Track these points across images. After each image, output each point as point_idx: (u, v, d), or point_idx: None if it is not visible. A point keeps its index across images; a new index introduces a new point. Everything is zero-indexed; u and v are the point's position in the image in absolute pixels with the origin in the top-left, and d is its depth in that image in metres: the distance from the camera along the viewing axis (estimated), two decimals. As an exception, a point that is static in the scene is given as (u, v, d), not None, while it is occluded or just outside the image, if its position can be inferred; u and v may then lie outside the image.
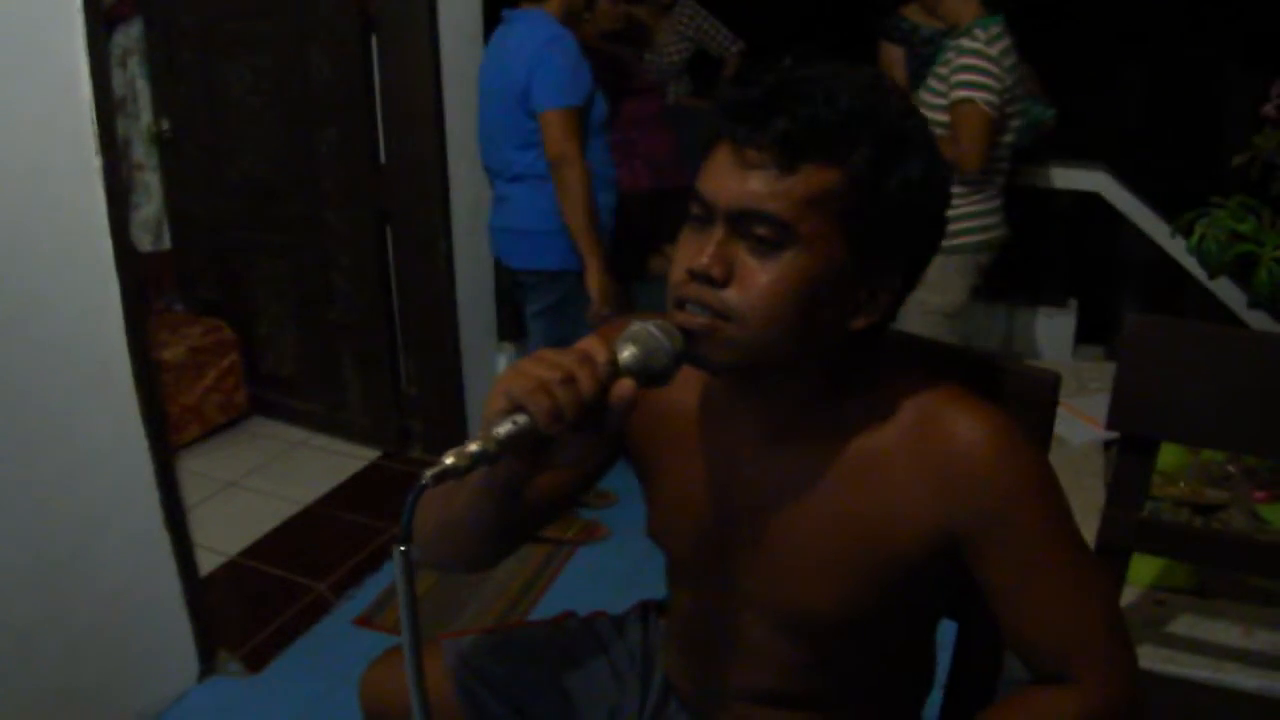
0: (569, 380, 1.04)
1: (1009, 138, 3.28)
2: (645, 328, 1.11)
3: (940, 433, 1.19)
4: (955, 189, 3.14)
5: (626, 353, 1.09)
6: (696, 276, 1.11)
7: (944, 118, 3.14)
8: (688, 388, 1.33)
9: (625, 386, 1.07)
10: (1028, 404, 1.36)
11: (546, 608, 3.16)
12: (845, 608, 1.28)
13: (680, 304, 1.13)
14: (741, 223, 1.11)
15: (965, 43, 3.11)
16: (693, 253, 1.12)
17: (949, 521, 1.20)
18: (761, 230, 1.09)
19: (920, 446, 1.20)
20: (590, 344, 1.09)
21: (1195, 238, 2.06)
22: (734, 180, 1.10)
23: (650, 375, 1.10)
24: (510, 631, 1.68)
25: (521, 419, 1.04)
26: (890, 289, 1.18)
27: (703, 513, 1.36)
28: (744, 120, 1.10)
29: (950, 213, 1.22)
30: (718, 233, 1.12)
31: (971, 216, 3.28)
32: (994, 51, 3.07)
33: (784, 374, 1.21)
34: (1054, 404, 1.35)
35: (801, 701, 1.40)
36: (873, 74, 1.16)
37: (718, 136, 1.14)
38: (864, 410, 1.23)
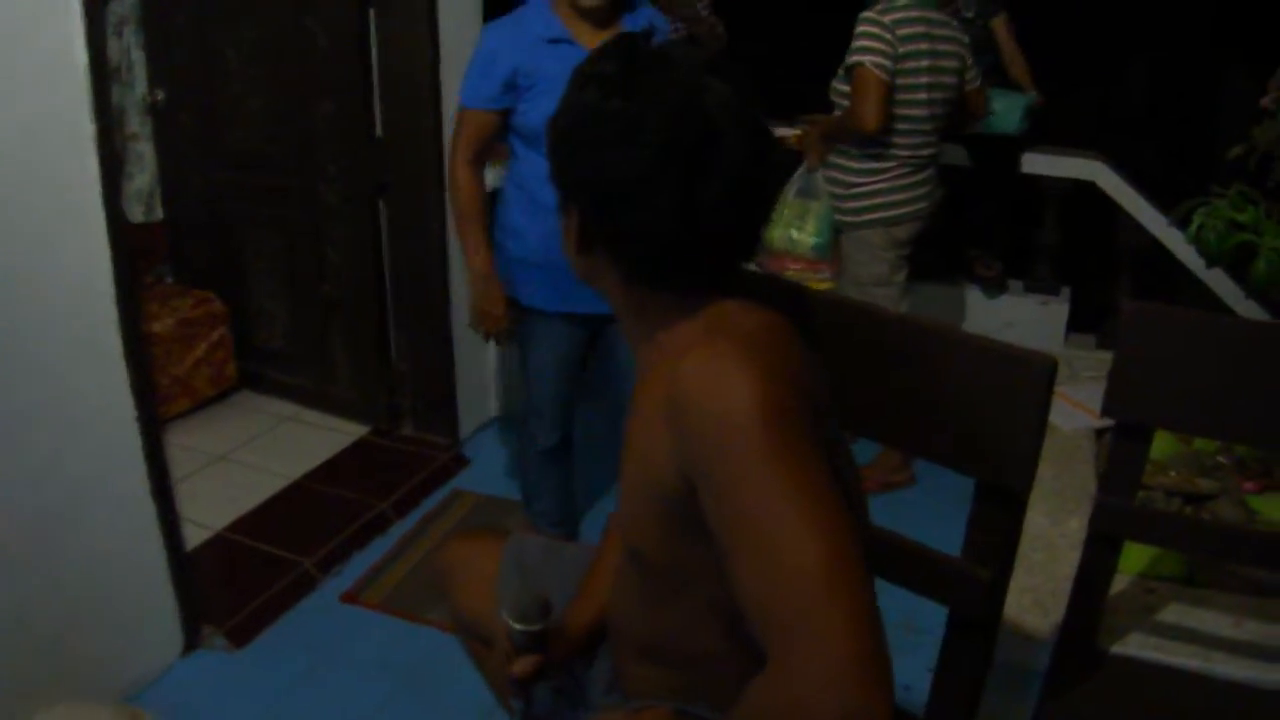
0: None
1: (919, 112, 3.34)
2: (511, 595, 1.56)
3: (674, 372, 1.20)
4: (858, 168, 3.37)
5: (516, 625, 1.51)
6: None
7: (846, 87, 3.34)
8: None
9: (523, 665, 1.54)
10: (1024, 389, 1.36)
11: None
12: (640, 539, 1.35)
13: None
14: None
15: (863, 14, 3.28)
16: None
17: (680, 462, 1.20)
18: None
19: (667, 386, 1.21)
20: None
21: (1194, 227, 2.06)
22: None
23: (528, 621, 1.52)
24: (565, 544, 2.16)
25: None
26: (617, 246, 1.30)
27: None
28: None
29: (854, 191, 1.31)
30: None
31: (875, 194, 3.38)
32: (886, 20, 3.22)
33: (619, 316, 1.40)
34: (1050, 389, 1.35)
35: (652, 656, 1.46)
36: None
37: None
38: (663, 351, 1.31)
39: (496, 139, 2.80)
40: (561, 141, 1.29)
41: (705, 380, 1.16)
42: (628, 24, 2.68)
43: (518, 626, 1.51)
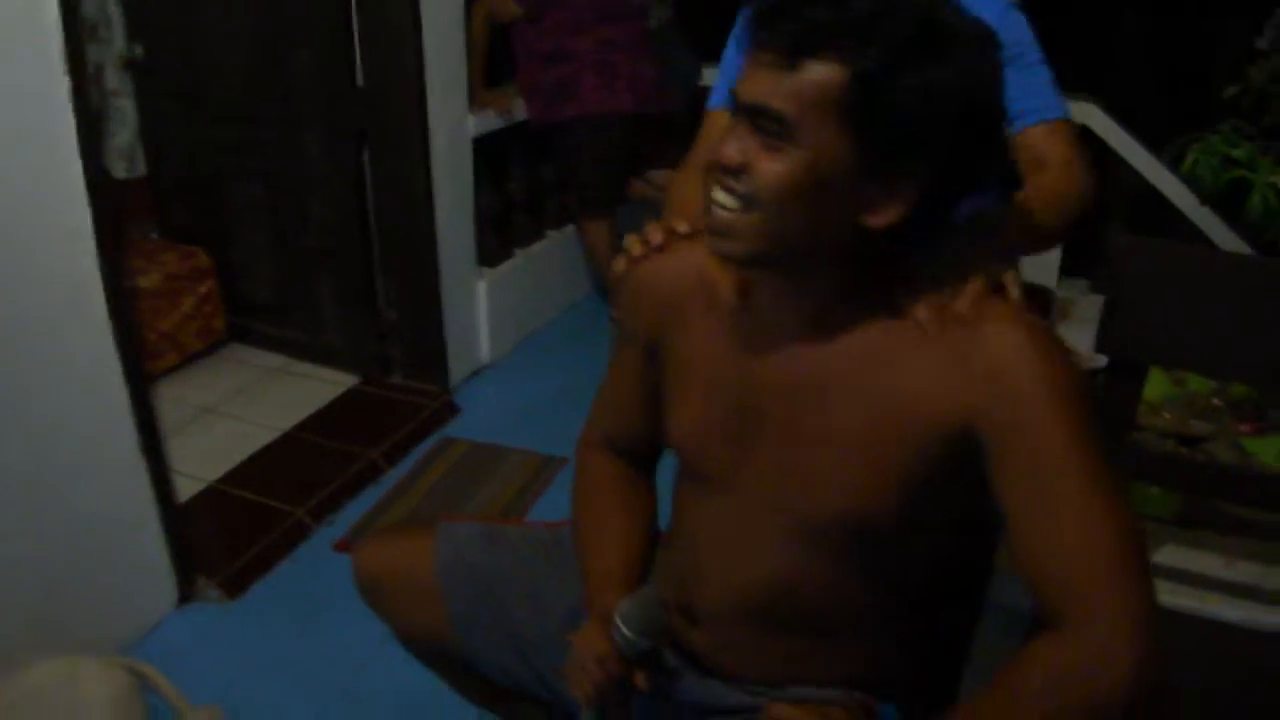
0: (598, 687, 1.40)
1: None
2: (629, 605, 1.37)
3: (968, 327, 1.20)
4: None
5: (629, 632, 1.36)
6: (717, 166, 1.19)
7: None
8: (704, 288, 1.41)
9: (644, 680, 1.41)
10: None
11: (538, 514, 3.19)
12: (862, 505, 1.27)
13: (710, 196, 1.22)
14: (756, 118, 1.17)
15: None
16: (719, 147, 1.20)
17: (968, 414, 1.18)
18: (768, 125, 1.15)
19: (945, 339, 1.21)
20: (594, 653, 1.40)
21: (1188, 163, 2.04)
22: (751, 78, 1.17)
23: (653, 634, 1.37)
24: (504, 525, 1.81)
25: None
26: (909, 187, 1.17)
27: (726, 408, 1.38)
28: (760, 25, 1.16)
29: None
30: (739, 128, 1.19)
31: None
32: None
33: (807, 268, 1.25)
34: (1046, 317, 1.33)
35: (792, 623, 1.39)
36: None
37: (749, 43, 1.19)
38: (889, 308, 1.25)
39: None
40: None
41: (1024, 340, 1.18)
42: None
43: (642, 641, 1.37)
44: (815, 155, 1.14)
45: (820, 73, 1.13)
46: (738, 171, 1.18)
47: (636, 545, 1.55)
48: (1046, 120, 1.88)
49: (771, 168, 1.15)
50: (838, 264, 1.24)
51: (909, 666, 1.44)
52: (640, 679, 1.40)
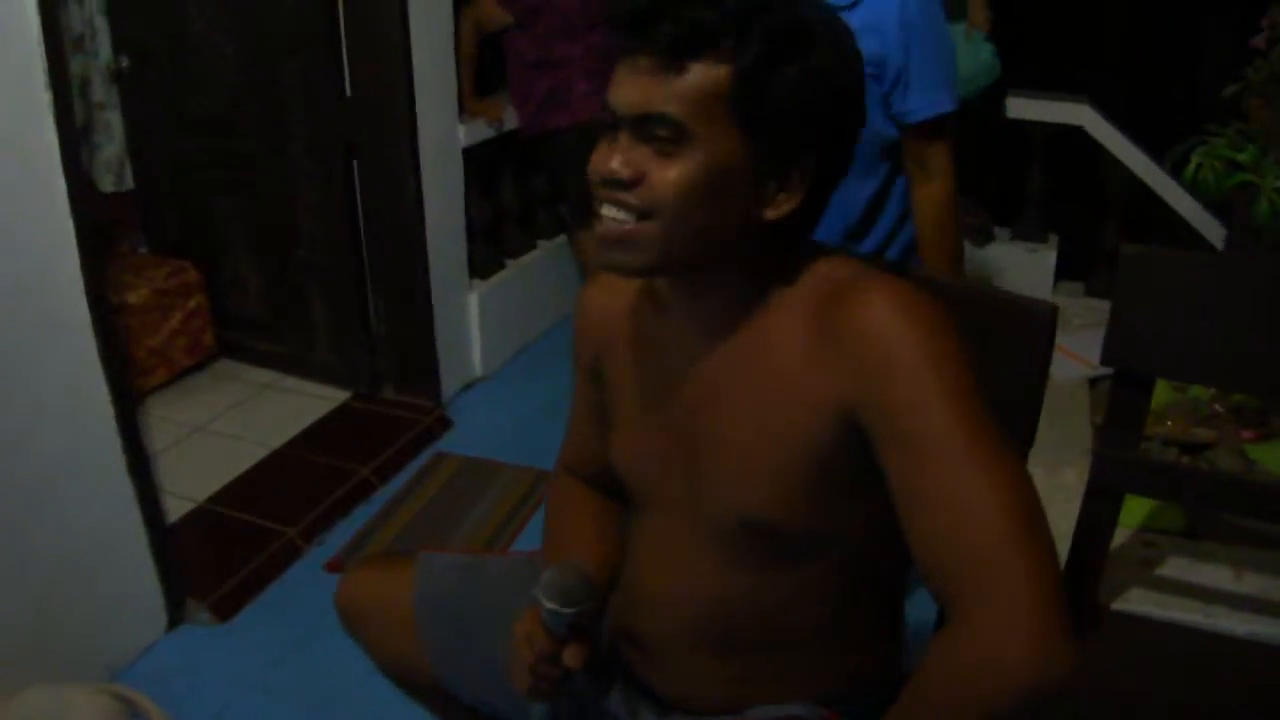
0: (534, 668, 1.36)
1: None
2: (548, 575, 1.33)
3: (839, 306, 1.17)
4: None
5: (549, 602, 1.31)
6: (608, 182, 1.17)
7: None
8: (633, 305, 1.41)
9: (574, 654, 1.35)
10: (1024, 337, 1.31)
11: (521, 547, 3.13)
12: (763, 505, 1.24)
13: (599, 213, 1.20)
14: (642, 127, 1.15)
15: None
16: (602, 161, 1.18)
17: (846, 397, 1.14)
18: (660, 131, 1.14)
19: (821, 323, 1.18)
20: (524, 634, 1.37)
21: (1192, 167, 2.01)
22: (629, 87, 1.16)
23: (575, 601, 1.31)
24: (485, 557, 1.82)
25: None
26: (800, 178, 1.20)
27: (648, 423, 1.38)
28: (633, 30, 1.15)
29: None
30: (623, 139, 1.17)
31: None
32: None
33: (709, 271, 1.24)
34: (1052, 336, 1.31)
35: (733, 642, 1.36)
36: None
37: (618, 49, 1.18)
38: (781, 299, 1.24)
39: None
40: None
41: (894, 311, 1.13)
42: None
43: (564, 610, 1.31)
44: (710, 157, 1.14)
45: (705, 72, 1.13)
46: (630, 184, 1.16)
47: (598, 559, 1.50)
48: (925, 119, 2.18)
49: (669, 175, 1.14)
50: (733, 261, 1.23)
51: (872, 674, 1.40)
52: (570, 654, 1.34)
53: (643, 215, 1.16)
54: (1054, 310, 1.31)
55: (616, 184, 1.17)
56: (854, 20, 1.59)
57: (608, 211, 1.19)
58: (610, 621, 1.50)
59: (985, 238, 4.47)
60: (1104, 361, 1.61)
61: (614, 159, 1.17)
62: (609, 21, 1.19)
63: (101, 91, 4.02)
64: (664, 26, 1.12)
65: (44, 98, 2.21)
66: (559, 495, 1.66)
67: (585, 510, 1.62)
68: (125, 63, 3.97)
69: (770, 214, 1.19)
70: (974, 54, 4.01)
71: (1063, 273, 4.45)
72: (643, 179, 1.16)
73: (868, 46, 1.38)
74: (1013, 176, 4.53)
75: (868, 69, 1.28)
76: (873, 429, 1.13)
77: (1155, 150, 3.93)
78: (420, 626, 1.63)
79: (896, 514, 1.12)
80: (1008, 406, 1.32)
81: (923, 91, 2.18)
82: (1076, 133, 4.19)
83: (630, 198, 1.16)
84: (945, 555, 1.07)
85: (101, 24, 3.96)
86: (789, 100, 1.15)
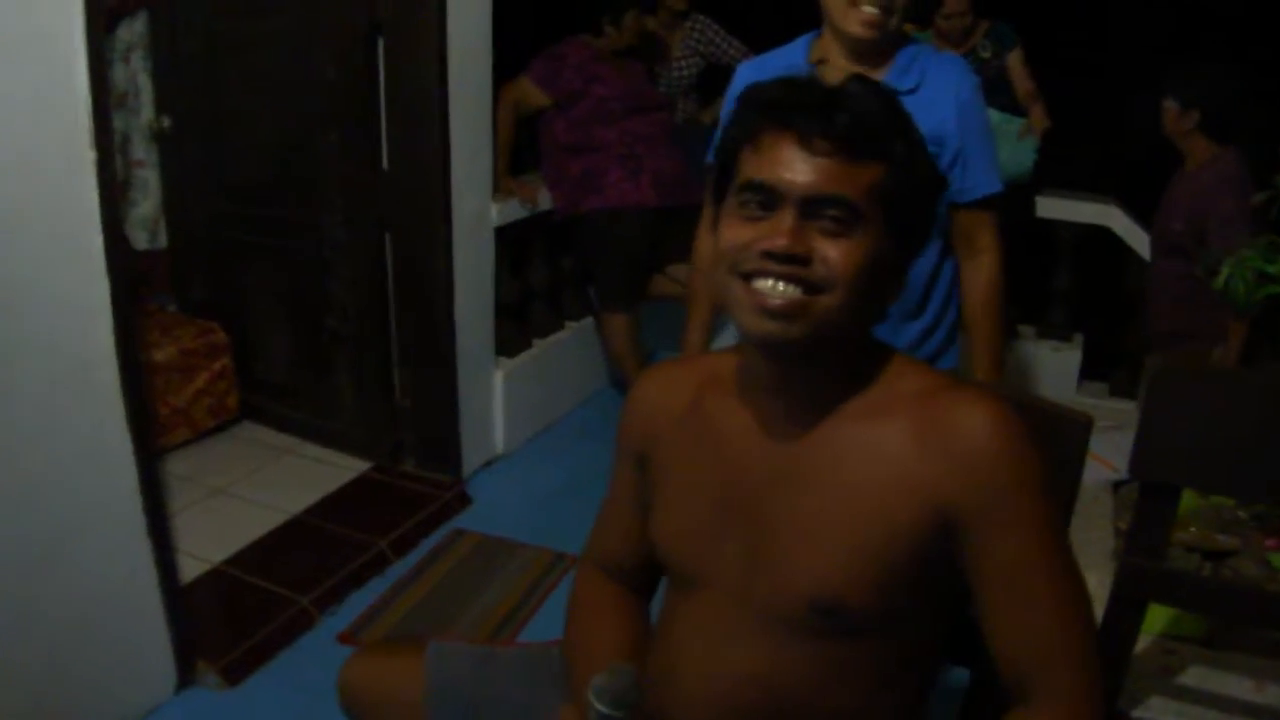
0: None
1: None
2: (602, 678, 1.27)
3: (944, 412, 1.24)
4: None
5: (601, 706, 1.25)
6: (777, 257, 1.20)
7: None
8: (690, 392, 1.45)
9: None
10: (1058, 445, 1.32)
11: (535, 630, 3.10)
12: (836, 591, 1.26)
13: (752, 278, 1.23)
14: (813, 207, 1.21)
15: None
16: (759, 236, 1.22)
17: (947, 498, 1.22)
18: (834, 212, 1.21)
19: (922, 425, 1.25)
20: None
21: (1222, 278, 2.02)
22: (805, 168, 1.21)
23: (627, 706, 1.26)
24: (495, 648, 1.81)
25: None
26: (905, 266, 1.31)
27: (704, 506, 1.39)
28: (810, 115, 1.21)
29: None
30: (788, 217, 1.21)
31: None
32: None
33: (831, 353, 1.28)
34: (1085, 447, 1.32)
35: None
36: (878, 82, 1.32)
37: (770, 130, 1.24)
38: (867, 393, 1.31)
39: None
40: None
41: (998, 426, 1.21)
42: (900, 61, 2.20)
43: (615, 713, 1.27)
44: (874, 241, 1.22)
45: (874, 165, 1.22)
46: (805, 260, 1.20)
47: (625, 656, 1.49)
48: (979, 198, 2.24)
49: (847, 253, 1.21)
50: (840, 347, 1.28)
51: None
52: None
53: (814, 289, 1.21)
54: (1089, 422, 1.32)
55: (789, 259, 1.20)
56: (917, 102, 1.65)
57: (768, 285, 1.21)
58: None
59: (1010, 335, 4.47)
60: (1132, 473, 1.62)
61: (783, 234, 1.21)
62: (769, 104, 1.25)
63: (141, 149, 4.09)
64: (842, 117, 1.20)
65: (88, 156, 2.24)
66: (589, 593, 1.63)
67: (620, 609, 1.60)
68: (167, 123, 4.04)
69: (892, 301, 1.30)
70: (1019, 154, 4.05)
71: (1086, 372, 4.45)
72: (814, 254, 1.20)
73: (927, 124, 1.43)
74: (1039, 275, 4.54)
75: (930, 147, 1.35)
76: (969, 532, 1.22)
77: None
78: (431, 714, 1.60)
79: (980, 606, 1.25)
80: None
81: (979, 171, 2.23)
82: (1104, 233, 4.20)
83: (806, 272, 1.21)
84: (1028, 653, 1.22)
85: (145, 83, 4.04)
86: (920, 197, 1.28)
